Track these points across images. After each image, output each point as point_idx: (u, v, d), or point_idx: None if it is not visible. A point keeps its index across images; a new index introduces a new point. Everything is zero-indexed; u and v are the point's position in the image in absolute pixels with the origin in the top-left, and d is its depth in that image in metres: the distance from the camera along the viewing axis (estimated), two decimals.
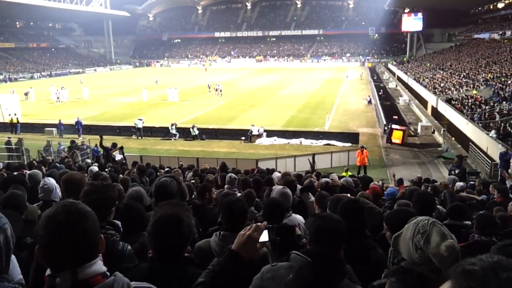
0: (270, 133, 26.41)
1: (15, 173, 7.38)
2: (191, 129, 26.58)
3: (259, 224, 2.02)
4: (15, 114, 29.23)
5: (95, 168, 10.19)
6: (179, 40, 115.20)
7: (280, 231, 2.45)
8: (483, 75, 36.87)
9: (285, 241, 2.49)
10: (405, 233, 2.03)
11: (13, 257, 2.14)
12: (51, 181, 4.26)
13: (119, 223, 3.06)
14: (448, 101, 30.54)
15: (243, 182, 6.31)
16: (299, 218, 4.22)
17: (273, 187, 5.05)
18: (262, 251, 2.82)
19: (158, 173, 10.81)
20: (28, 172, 6.67)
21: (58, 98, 41.27)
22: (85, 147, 19.96)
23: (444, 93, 34.77)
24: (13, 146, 17.62)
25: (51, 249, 1.42)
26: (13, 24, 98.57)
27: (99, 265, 1.48)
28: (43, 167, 9.85)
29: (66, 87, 44.41)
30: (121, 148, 17.76)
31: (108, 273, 1.51)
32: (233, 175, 7.11)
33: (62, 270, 1.42)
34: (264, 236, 1.99)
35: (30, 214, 3.74)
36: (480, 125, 22.51)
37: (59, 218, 1.43)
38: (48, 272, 1.48)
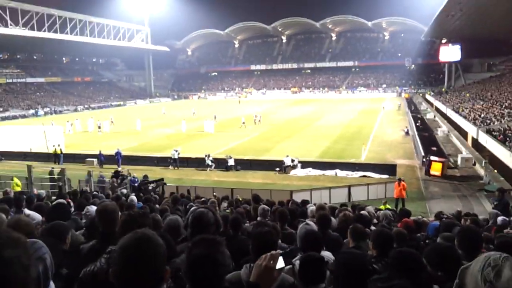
0: (305, 164, 26.22)
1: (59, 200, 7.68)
2: (228, 159, 26.87)
3: (273, 252, 2.02)
4: (58, 145, 30.54)
5: (134, 198, 10.37)
6: (216, 73, 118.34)
7: (305, 261, 2.41)
8: None
9: (310, 271, 2.43)
10: (474, 266, 2.03)
11: (52, 285, 2.18)
12: (93, 208, 4.48)
13: None
14: (489, 132, 29.55)
15: (280, 213, 6.22)
16: (327, 254, 3.91)
17: (305, 221, 4.99)
18: (290, 281, 2.85)
19: (191, 204, 10.89)
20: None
21: (99, 127, 43.89)
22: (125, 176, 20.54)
23: (484, 124, 33.70)
24: (56, 176, 18.39)
25: (128, 277, 1.49)
26: (60, 60, 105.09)
27: None
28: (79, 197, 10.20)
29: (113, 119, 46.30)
30: (161, 179, 18.45)
31: None
32: (266, 207, 7.13)
33: None
34: (280, 263, 2.00)
35: (75, 242, 3.88)
36: None
37: (138, 248, 1.51)
38: None
